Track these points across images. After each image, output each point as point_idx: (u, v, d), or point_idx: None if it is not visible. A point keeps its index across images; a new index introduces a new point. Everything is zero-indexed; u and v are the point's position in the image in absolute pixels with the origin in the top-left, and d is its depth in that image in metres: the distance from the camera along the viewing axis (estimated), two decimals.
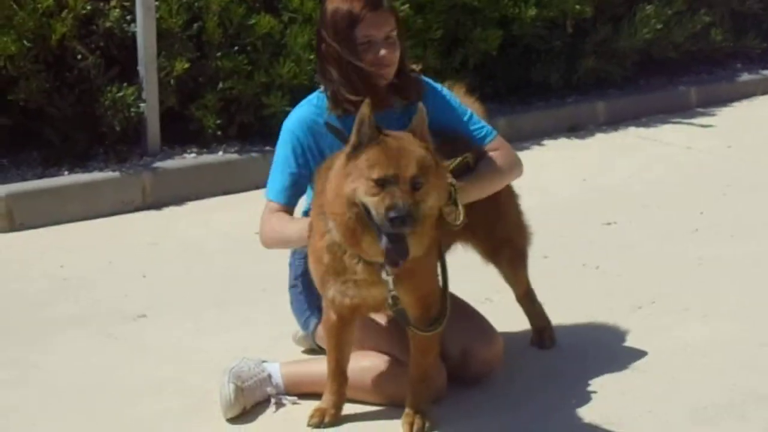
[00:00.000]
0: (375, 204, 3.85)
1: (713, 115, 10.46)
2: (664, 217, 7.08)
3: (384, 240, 3.86)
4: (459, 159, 4.44)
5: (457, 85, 4.88)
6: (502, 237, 4.86)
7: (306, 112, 4.55)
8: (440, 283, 4.29)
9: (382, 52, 4.45)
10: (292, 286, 4.85)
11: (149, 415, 4.49)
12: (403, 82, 4.57)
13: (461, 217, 4.26)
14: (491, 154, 4.63)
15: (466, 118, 4.67)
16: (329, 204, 3.99)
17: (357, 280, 4.09)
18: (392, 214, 3.81)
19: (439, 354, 4.39)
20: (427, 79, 4.72)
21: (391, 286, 4.04)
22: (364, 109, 3.93)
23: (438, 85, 4.71)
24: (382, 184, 3.86)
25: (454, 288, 4.47)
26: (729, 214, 7.11)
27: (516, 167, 4.73)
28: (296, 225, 4.41)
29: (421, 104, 4.06)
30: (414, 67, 4.75)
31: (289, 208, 4.52)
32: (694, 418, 4.39)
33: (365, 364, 4.50)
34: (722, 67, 11.72)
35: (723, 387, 4.65)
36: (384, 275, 4.03)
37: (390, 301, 4.08)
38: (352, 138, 3.97)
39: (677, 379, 4.74)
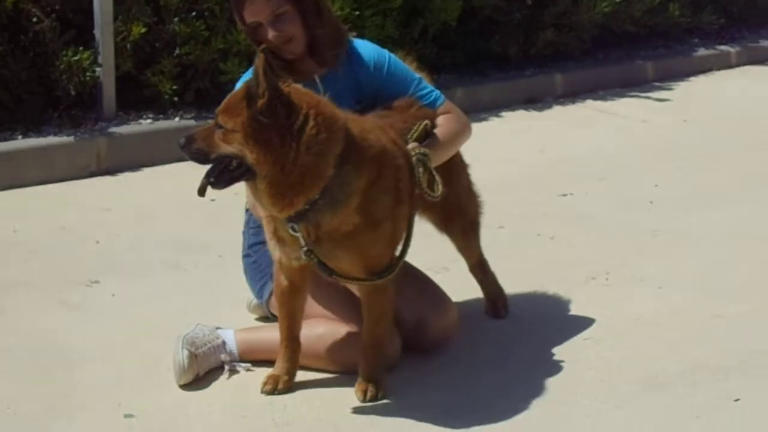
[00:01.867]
0: None
1: (670, 89, 10.50)
2: (619, 189, 7.10)
3: None
4: (420, 126, 4.44)
5: (408, 57, 4.87)
6: (454, 206, 4.84)
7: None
8: (396, 251, 4.28)
9: (270, 34, 4.44)
10: (245, 255, 4.84)
11: (101, 381, 4.46)
12: (316, 50, 4.55)
13: (440, 187, 4.28)
14: (443, 117, 4.64)
15: (416, 82, 4.68)
16: None
17: (285, 239, 4.11)
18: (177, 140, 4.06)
19: (392, 322, 4.39)
20: (375, 46, 4.73)
21: (302, 242, 4.03)
22: (257, 62, 3.90)
23: (385, 52, 4.71)
24: None
25: (410, 257, 4.47)
26: (684, 187, 7.15)
27: (467, 128, 4.75)
28: None
29: (257, 56, 3.94)
30: (350, 34, 4.73)
31: None
32: (645, 387, 4.41)
33: (319, 330, 4.48)
34: (679, 42, 11.76)
35: (675, 357, 4.68)
36: (291, 232, 4.04)
37: (303, 256, 4.07)
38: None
39: (630, 348, 4.76)
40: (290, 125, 3.88)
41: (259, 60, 3.86)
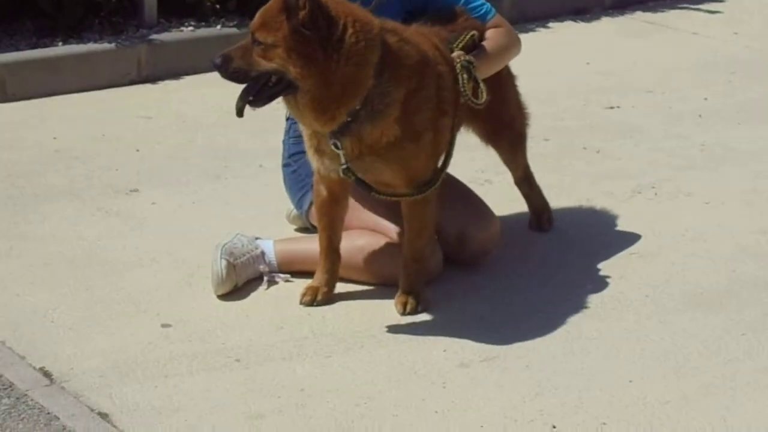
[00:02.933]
0: None
1: (721, 1, 10.29)
2: (668, 102, 6.97)
3: None
4: (466, 36, 4.37)
5: None
6: (503, 119, 4.78)
7: None
8: (437, 163, 4.21)
9: None
10: (285, 165, 4.79)
11: (140, 288, 4.44)
12: None
13: (485, 95, 4.20)
14: (493, 31, 4.54)
15: None
16: None
17: (326, 152, 4.05)
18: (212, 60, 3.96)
19: (433, 235, 4.34)
20: None
21: (342, 159, 3.98)
22: None
23: None
24: None
25: (453, 170, 4.41)
26: (733, 101, 7.02)
27: (517, 44, 4.67)
28: None
29: None
30: None
31: None
32: (691, 303, 4.36)
33: (359, 243, 4.44)
34: None
35: (722, 273, 4.62)
36: (333, 148, 3.98)
37: (341, 174, 4.03)
38: None
39: (676, 264, 4.70)
40: (330, 36, 3.81)
41: None
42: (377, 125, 3.95)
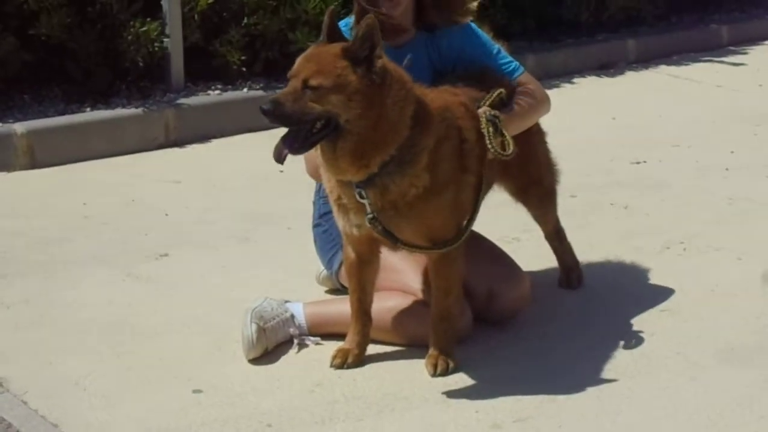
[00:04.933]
0: None
1: (745, 53, 10.33)
2: (694, 156, 6.98)
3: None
4: (494, 94, 4.37)
5: (484, 27, 4.78)
6: (532, 175, 4.80)
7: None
8: (460, 223, 4.22)
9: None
10: (315, 225, 4.80)
11: (171, 354, 4.45)
12: (424, 15, 4.53)
13: (511, 147, 4.22)
14: (522, 89, 4.55)
15: (495, 52, 4.62)
16: None
17: (349, 207, 4.07)
18: (261, 103, 3.86)
19: (461, 294, 4.33)
20: None
21: (368, 209, 3.99)
22: (370, 22, 3.89)
23: (469, 24, 4.64)
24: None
25: (481, 228, 4.41)
26: (760, 154, 7.01)
27: (546, 102, 4.67)
28: None
29: (366, 17, 3.94)
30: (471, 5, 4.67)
31: None
32: (723, 360, 4.32)
33: (389, 304, 4.43)
34: (754, 5, 11.56)
35: (753, 329, 4.59)
36: (358, 198, 4.00)
37: (368, 224, 4.03)
38: None
39: (706, 320, 4.68)
40: (383, 83, 3.92)
41: (372, 20, 3.88)
42: (404, 176, 3.97)
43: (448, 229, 4.16)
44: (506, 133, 4.25)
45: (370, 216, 4.02)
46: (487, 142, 4.20)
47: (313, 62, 3.91)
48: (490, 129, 4.22)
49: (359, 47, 3.88)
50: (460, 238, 4.17)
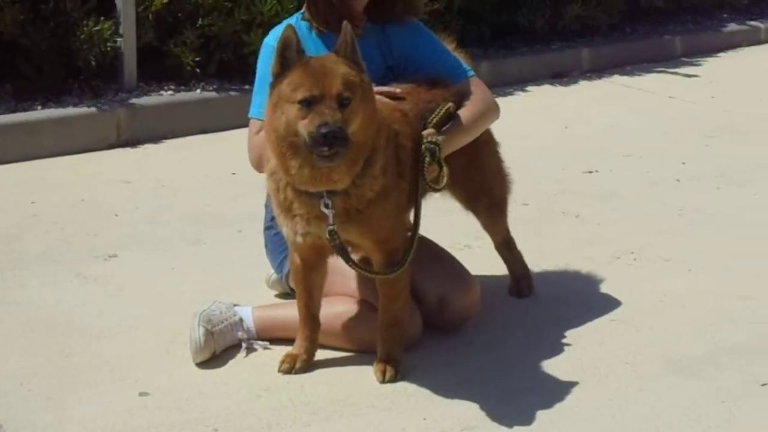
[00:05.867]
0: (305, 126, 3.73)
1: (698, 65, 10.40)
2: (645, 167, 7.01)
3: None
4: (441, 110, 4.33)
5: (448, 38, 4.76)
6: (481, 185, 4.77)
7: (283, 27, 4.42)
8: (407, 227, 4.20)
9: None
10: (266, 228, 4.77)
11: (118, 355, 4.41)
12: (380, 5, 4.49)
13: (445, 180, 4.17)
14: (471, 97, 4.53)
15: (444, 54, 4.59)
16: (266, 136, 3.93)
17: (301, 215, 3.99)
18: (323, 130, 3.68)
19: (409, 300, 4.31)
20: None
21: (330, 219, 3.92)
22: (289, 33, 3.83)
23: (419, 22, 4.63)
24: (308, 104, 3.74)
25: (433, 234, 4.39)
26: (711, 165, 7.05)
27: (495, 110, 4.64)
28: None
29: (345, 23, 3.91)
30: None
31: None
32: (671, 370, 4.33)
33: (338, 309, 4.42)
34: (708, 17, 11.64)
35: (701, 339, 4.60)
36: (323, 208, 3.91)
37: (327, 236, 3.96)
38: (274, 65, 3.86)
39: (656, 330, 4.69)
40: (370, 86, 3.94)
41: (347, 25, 3.87)
42: (367, 176, 3.91)
43: (395, 232, 4.13)
44: (443, 164, 4.19)
45: (331, 228, 3.95)
46: (421, 173, 4.16)
47: (339, 77, 3.79)
48: (426, 158, 4.17)
49: (352, 53, 3.86)
50: (406, 261, 4.11)
